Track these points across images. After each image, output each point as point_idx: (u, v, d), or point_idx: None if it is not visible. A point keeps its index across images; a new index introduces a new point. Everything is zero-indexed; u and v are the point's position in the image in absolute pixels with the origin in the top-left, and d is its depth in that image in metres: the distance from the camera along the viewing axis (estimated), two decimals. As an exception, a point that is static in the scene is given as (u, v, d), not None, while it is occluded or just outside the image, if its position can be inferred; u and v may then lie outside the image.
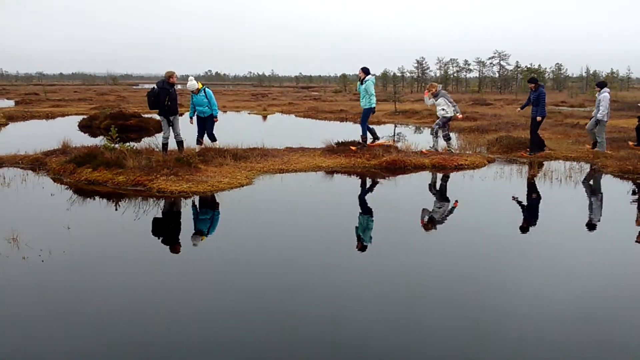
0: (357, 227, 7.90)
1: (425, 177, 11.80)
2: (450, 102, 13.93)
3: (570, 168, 12.47)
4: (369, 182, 11.25)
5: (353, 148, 13.34)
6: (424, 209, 8.86)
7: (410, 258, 6.47)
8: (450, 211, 8.92)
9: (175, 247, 6.94)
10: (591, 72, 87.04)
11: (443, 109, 13.86)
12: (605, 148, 14.11)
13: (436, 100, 13.90)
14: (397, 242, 7.11)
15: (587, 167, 12.76)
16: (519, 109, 15.77)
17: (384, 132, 20.51)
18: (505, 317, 4.85)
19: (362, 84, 13.33)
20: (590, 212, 9.02)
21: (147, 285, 5.61)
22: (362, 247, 6.92)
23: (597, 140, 14.26)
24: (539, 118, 13.87)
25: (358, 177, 11.61)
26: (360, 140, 13.60)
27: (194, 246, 6.99)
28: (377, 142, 13.85)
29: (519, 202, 9.54)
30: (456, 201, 9.51)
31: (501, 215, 8.59)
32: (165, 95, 11.79)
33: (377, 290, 5.44)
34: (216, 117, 12.92)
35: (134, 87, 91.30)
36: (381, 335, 4.48)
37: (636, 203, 9.49)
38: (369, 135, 13.69)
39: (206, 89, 12.83)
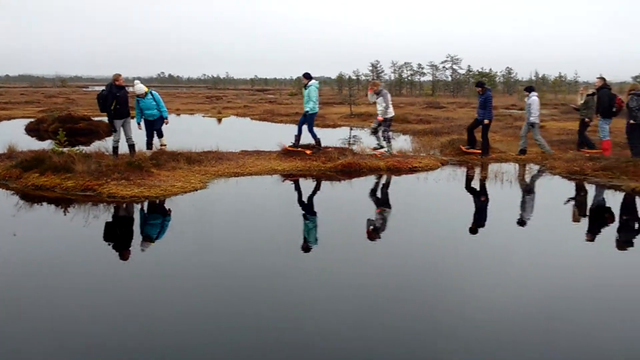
0: (309, 229, 7.89)
1: (380, 179, 11.87)
2: (387, 102, 13.78)
3: (520, 170, 12.78)
4: (323, 185, 11.25)
5: (308, 152, 13.31)
6: (370, 217, 8.90)
7: (361, 259, 6.49)
8: (400, 213, 9.00)
9: (125, 253, 6.77)
10: (540, 76, 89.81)
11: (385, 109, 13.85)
12: (548, 146, 14.53)
13: (377, 98, 13.84)
14: (350, 243, 7.14)
15: (536, 169, 13.11)
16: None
17: (340, 135, 20.58)
18: (447, 315, 4.91)
19: (305, 89, 13.36)
20: (532, 212, 9.27)
21: (96, 291, 5.44)
22: (307, 248, 6.94)
23: (538, 144, 14.58)
24: (486, 121, 14.14)
25: (313, 180, 11.60)
26: (315, 144, 13.56)
27: (144, 252, 6.83)
28: (297, 148, 13.44)
29: (470, 204, 9.72)
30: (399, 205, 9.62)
31: (449, 216, 8.72)
32: (112, 99, 11.54)
33: (327, 289, 5.43)
34: (167, 118, 12.70)
35: (84, 89, 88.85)
36: (332, 336, 4.46)
37: (577, 202, 9.81)
38: (310, 139, 13.60)
39: (153, 91, 12.62)
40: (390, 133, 14.17)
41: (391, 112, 13.94)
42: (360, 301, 5.25)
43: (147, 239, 7.44)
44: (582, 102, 14.46)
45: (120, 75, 11.86)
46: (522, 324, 4.82)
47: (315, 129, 13.76)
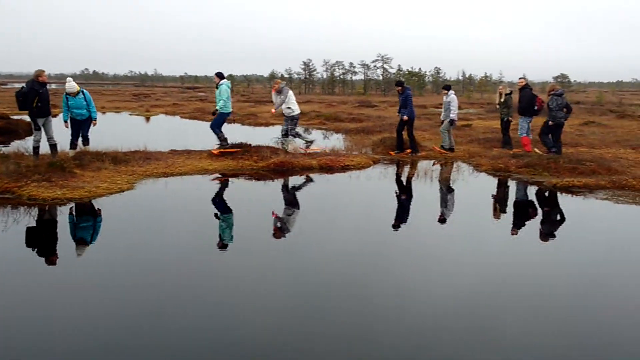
0: (235, 229, 7.78)
1: (313, 178, 11.86)
2: (290, 100, 13.68)
3: (447, 167, 13.13)
4: (256, 184, 11.13)
5: (234, 150, 13.12)
6: (280, 215, 8.92)
7: (290, 257, 6.46)
8: (322, 211, 9.04)
9: (48, 258, 6.43)
10: (467, 75, 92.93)
11: (289, 107, 13.78)
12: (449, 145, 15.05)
13: (280, 96, 13.72)
14: (278, 242, 7.08)
15: (464, 166, 13.49)
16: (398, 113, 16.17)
17: (272, 133, 20.45)
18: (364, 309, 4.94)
19: (217, 88, 13.19)
20: (458, 207, 9.52)
21: (21, 298, 5.12)
22: (234, 248, 6.82)
23: (449, 139, 15.08)
24: (405, 117, 14.34)
25: (245, 180, 11.44)
26: (219, 141, 13.32)
27: (68, 256, 6.50)
28: (227, 149, 13.21)
29: (398, 201, 9.89)
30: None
31: (377, 214, 8.83)
32: (34, 96, 10.96)
33: (258, 286, 5.36)
34: (95, 120, 12.17)
35: (2, 86, 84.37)
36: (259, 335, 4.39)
37: (501, 198, 10.18)
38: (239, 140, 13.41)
39: (84, 90, 12.09)
40: (295, 131, 14.08)
41: (297, 110, 13.87)
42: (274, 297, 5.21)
43: (71, 242, 7.09)
44: (502, 100, 15.02)
45: (43, 71, 11.27)
46: (442, 319, 4.90)
47: (249, 128, 13.62)
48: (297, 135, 14.15)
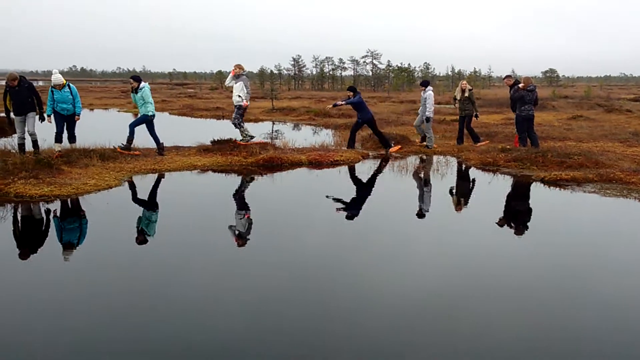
0: (231, 225, 7.76)
1: (301, 173, 11.85)
2: (246, 89, 13.39)
3: (437, 162, 13.18)
4: (244, 180, 11.10)
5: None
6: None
7: (286, 253, 6.45)
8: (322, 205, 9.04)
9: (29, 254, 6.38)
10: (456, 71, 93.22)
11: (239, 95, 13.32)
12: (434, 142, 15.09)
13: (236, 83, 13.36)
14: (275, 238, 7.08)
15: (453, 161, 13.53)
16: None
17: (262, 129, 20.41)
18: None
19: (135, 92, 12.75)
20: (449, 201, 9.57)
21: (6, 295, 5.08)
22: (242, 244, 6.81)
23: (426, 135, 15.11)
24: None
25: (234, 176, 11.41)
26: (126, 142, 12.76)
27: (57, 253, 6.46)
28: (127, 151, 12.66)
29: (390, 195, 9.91)
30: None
31: (371, 208, 8.85)
32: (5, 95, 11.29)
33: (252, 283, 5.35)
34: (79, 115, 12.07)
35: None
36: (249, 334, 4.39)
37: (490, 191, 10.23)
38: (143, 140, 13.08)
39: (70, 84, 12.00)
40: (239, 122, 13.63)
41: (245, 101, 13.44)
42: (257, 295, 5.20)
43: (59, 239, 7.04)
44: (465, 96, 14.95)
45: (12, 74, 11.35)
46: (433, 311, 4.93)
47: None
48: (239, 126, 13.64)
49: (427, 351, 4.24)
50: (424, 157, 14.16)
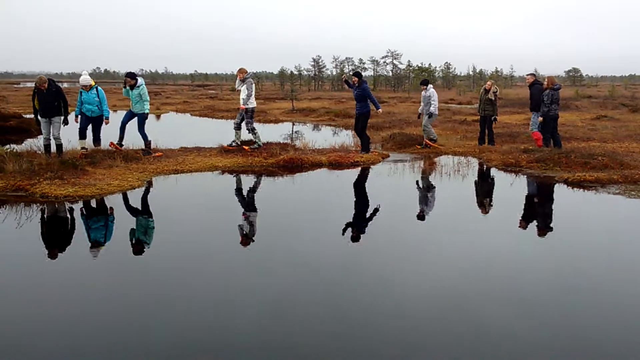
0: (249, 226, 7.80)
1: (322, 174, 11.87)
2: (247, 91, 13.23)
3: (458, 162, 13.10)
4: (265, 180, 11.15)
5: (246, 148, 13.15)
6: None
7: (299, 256, 6.47)
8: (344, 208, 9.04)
9: (55, 253, 6.49)
10: (477, 70, 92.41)
11: (243, 99, 13.27)
12: (433, 136, 15.19)
13: (242, 86, 13.37)
14: (293, 240, 7.11)
15: (474, 161, 13.42)
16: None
17: (282, 130, 20.50)
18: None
19: (132, 89, 12.62)
20: (476, 202, 9.50)
21: (34, 294, 5.18)
22: (247, 243, 6.85)
23: (424, 131, 15.17)
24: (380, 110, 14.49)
25: (255, 176, 11.46)
26: (144, 147, 12.84)
27: (80, 253, 6.56)
28: (121, 146, 12.78)
29: (413, 196, 9.87)
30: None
31: (393, 208, 8.83)
32: (34, 97, 11.41)
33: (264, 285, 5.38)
34: (107, 118, 12.22)
35: (15, 85, 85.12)
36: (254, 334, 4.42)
37: (514, 192, 10.13)
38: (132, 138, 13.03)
39: (98, 87, 12.19)
40: (254, 124, 13.61)
41: (253, 103, 13.40)
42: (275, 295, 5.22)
43: (83, 238, 7.14)
44: (488, 97, 14.81)
45: (41, 78, 11.48)
46: (453, 312, 4.91)
47: (257, 125, 13.60)
48: (252, 131, 13.50)
49: (448, 353, 4.23)
50: (443, 157, 14.06)
